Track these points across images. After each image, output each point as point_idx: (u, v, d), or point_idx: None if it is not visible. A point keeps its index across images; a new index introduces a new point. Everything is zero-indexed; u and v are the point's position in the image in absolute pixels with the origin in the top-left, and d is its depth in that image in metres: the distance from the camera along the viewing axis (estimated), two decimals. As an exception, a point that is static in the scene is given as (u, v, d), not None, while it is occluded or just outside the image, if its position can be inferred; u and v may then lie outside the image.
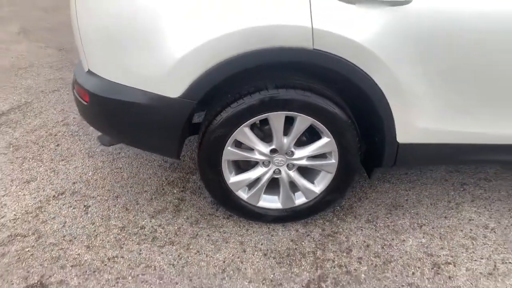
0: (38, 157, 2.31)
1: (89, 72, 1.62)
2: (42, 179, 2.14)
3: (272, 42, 1.39)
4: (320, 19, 1.35)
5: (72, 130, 2.57)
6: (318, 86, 1.56)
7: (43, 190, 2.06)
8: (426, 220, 1.91)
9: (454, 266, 1.68)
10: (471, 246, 1.78)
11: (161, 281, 1.59)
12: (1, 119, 2.70)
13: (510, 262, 1.70)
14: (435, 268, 1.67)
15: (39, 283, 1.58)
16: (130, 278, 1.60)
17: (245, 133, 1.60)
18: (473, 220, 1.92)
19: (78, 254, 1.70)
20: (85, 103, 1.64)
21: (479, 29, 1.41)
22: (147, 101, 1.50)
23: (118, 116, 1.59)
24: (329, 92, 1.58)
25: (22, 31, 4.48)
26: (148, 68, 1.46)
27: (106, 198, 2.01)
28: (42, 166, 2.24)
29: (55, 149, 2.39)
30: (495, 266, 1.68)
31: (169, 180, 2.15)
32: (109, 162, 2.27)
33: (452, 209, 1.99)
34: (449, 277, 1.63)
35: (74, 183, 2.11)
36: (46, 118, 2.71)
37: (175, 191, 2.07)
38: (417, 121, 1.59)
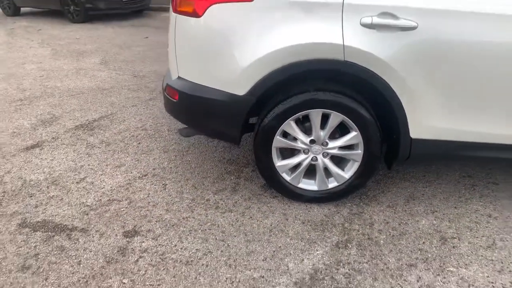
0: (125, 151, 2.93)
1: (179, 77, 2.23)
2: (129, 165, 2.74)
3: (315, 55, 1.93)
4: (349, 39, 1.88)
5: (150, 133, 3.20)
6: (347, 90, 2.07)
7: (131, 172, 2.65)
8: (438, 208, 2.30)
9: (459, 240, 2.06)
10: (475, 228, 2.15)
11: (223, 234, 2.08)
12: (94, 124, 3.38)
13: (507, 240, 2.05)
14: (442, 240, 2.05)
15: (133, 230, 2.12)
16: (200, 231, 2.11)
17: (291, 125, 2.12)
18: (478, 210, 2.29)
19: (160, 214, 2.24)
20: (175, 100, 2.24)
21: (470, 48, 1.88)
22: (222, 97, 2.07)
23: (199, 109, 2.17)
24: (356, 95, 2.08)
25: (103, 62, 5.36)
26: (224, 73, 2.04)
27: (179, 180, 2.56)
28: (128, 157, 2.85)
29: (137, 146, 3.01)
30: (494, 242, 2.04)
31: (227, 170, 2.68)
32: (180, 156, 2.85)
33: (462, 202, 2.37)
34: (453, 247, 2.01)
35: (154, 169, 2.70)
36: (129, 124, 3.37)
37: (232, 178, 2.59)
38: (426, 119, 2.05)
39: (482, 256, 1.95)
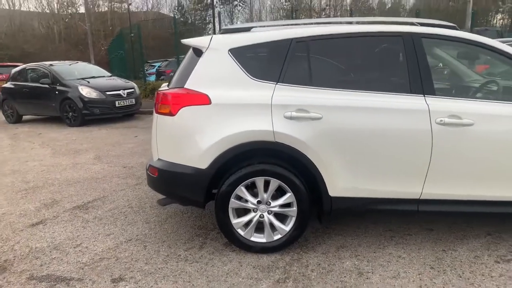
0: (114, 223, 3.57)
1: (159, 159, 3.00)
2: (117, 233, 3.36)
3: (255, 138, 2.75)
4: (277, 126, 2.72)
5: (135, 210, 3.86)
6: (283, 163, 2.85)
7: (118, 239, 3.26)
8: (361, 253, 2.94)
9: (372, 273, 2.68)
10: (386, 265, 2.77)
11: (190, 277, 2.67)
12: (88, 205, 4.05)
13: (409, 272, 2.67)
14: (359, 274, 2.67)
15: (119, 278, 2.69)
16: (171, 276, 2.69)
17: (242, 190, 2.85)
18: (392, 253, 2.93)
19: (141, 266, 2.83)
20: (155, 176, 2.98)
21: (361, 131, 2.72)
22: (190, 171, 2.82)
23: (173, 181, 2.90)
24: (288, 166, 2.86)
25: (96, 157, 6.17)
26: (191, 153, 2.82)
27: (157, 242, 3.18)
28: (117, 227, 3.48)
29: (124, 219, 3.66)
30: (398, 274, 2.67)
31: (197, 233, 3.32)
32: (159, 225, 3.49)
33: (381, 248, 3.01)
34: (367, 278, 2.62)
35: (137, 235, 3.32)
36: (118, 203, 4.05)
37: (200, 238, 3.22)
38: (338, 182, 2.80)
39: (388, 283, 2.56)
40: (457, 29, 2.93)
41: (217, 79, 2.84)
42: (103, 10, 33.70)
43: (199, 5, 34.62)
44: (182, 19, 34.36)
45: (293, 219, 2.90)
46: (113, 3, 34.08)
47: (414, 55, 2.77)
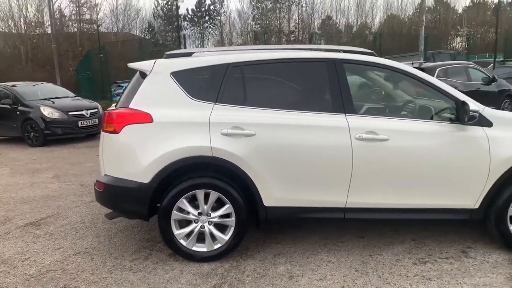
0: (65, 238, 3.69)
1: (105, 174, 3.18)
2: (67, 247, 3.48)
3: (194, 153, 2.98)
4: (214, 143, 2.97)
5: (87, 225, 3.99)
6: (220, 176, 3.09)
7: (67, 252, 3.39)
8: (295, 260, 3.18)
9: (302, 277, 2.92)
10: (316, 269, 3.03)
11: (132, 285, 2.84)
12: (41, 221, 4.14)
13: (335, 275, 2.94)
14: (290, 277, 2.91)
15: (63, 287, 2.82)
16: (114, 284, 2.85)
17: (183, 202, 3.07)
18: (323, 259, 3.20)
19: (86, 276, 2.98)
20: (101, 191, 3.16)
21: (289, 146, 3.01)
22: (133, 185, 3.02)
23: (118, 195, 3.09)
24: (226, 179, 3.10)
25: (55, 176, 6.23)
26: (134, 168, 3.03)
27: (104, 254, 3.33)
28: (67, 242, 3.60)
29: (75, 234, 3.78)
30: (325, 276, 2.92)
31: (144, 246, 3.49)
32: (109, 239, 3.64)
33: (314, 254, 3.27)
34: (296, 281, 2.87)
35: (85, 248, 3.46)
36: (71, 220, 4.16)
37: (147, 250, 3.39)
38: (272, 193, 3.07)
39: (314, 285, 2.82)
40: (374, 55, 3.30)
41: (159, 99, 3.09)
42: (72, 31, 33.53)
43: (170, 26, 35.05)
44: (152, 40, 34.61)
45: (232, 228, 3.13)
46: (82, 24, 34.01)
47: (336, 78, 3.11)
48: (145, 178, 3.00)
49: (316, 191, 3.10)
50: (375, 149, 3.04)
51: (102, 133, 3.21)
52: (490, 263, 3.09)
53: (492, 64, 17.96)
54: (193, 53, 3.31)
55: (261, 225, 3.29)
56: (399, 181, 3.09)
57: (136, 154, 3.02)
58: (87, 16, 35.25)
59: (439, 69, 9.18)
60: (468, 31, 43.89)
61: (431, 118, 3.23)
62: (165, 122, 3.03)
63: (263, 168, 3.02)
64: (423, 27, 14.15)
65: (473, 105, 2.99)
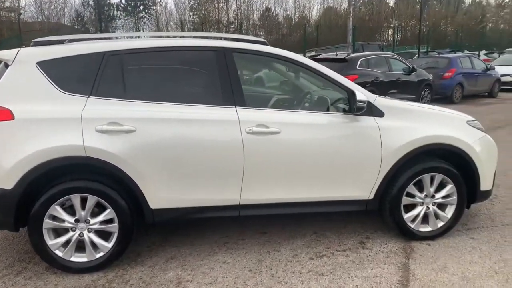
0: None
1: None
2: None
3: (65, 153, 2.65)
4: (88, 141, 2.65)
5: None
6: (99, 178, 2.79)
7: None
8: (188, 263, 2.97)
9: (191, 282, 2.72)
10: (209, 272, 2.84)
11: (-10, 306, 2.47)
12: None
13: (227, 277, 2.77)
14: (178, 283, 2.69)
15: None
16: (-31, 307, 2.47)
17: (56, 209, 2.73)
18: (218, 260, 3.01)
19: None
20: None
21: (175, 143, 2.77)
22: (-5, 192, 2.63)
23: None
24: (107, 180, 2.80)
25: None
26: (-5, 174, 2.64)
27: (-31, 271, 2.91)
28: None
29: None
30: (216, 279, 2.74)
31: (21, 258, 3.09)
32: (-20, 253, 3.21)
33: (210, 255, 3.08)
34: (184, 286, 2.66)
35: (-51, 266, 3.00)
36: None
37: (22, 264, 3.01)
38: (158, 194, 2.82)
39: (202, 289, 2.63)
40: (266, 45, 3.14)
41: (22, 93, 2.71)
42: (-10, 19, 30.74)
43: (102, 16, 33.20)
44: (82, 30, 32.64)
45: (116, 235, 2.84)
46: (2, 12, 31.22)
47: (225, 69, 2.91)
48: (8, 184, 2.63)
49: (207, 190, 2.90)
50: (266, 142, 2.89)
51: (-43, 134, 2.77)
52: (385, 253, 3.09)
53: (417, 55, 18.90)
54: (65, 40, 2.95)
55: (150, 230, 3.04)
56: (293, 174, 2.98)
57: None
58: (7, 4, 32.44)
59: (361, 59, 9.38)
60: (399, 23, 46.21)
61: (328, 109, 3.15)
62: (29, 119, 2.66)
63: (146, 168, 2.76)
64: (351, 19, 14.52)
65: (362, 95, 2.93)
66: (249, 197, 2.96)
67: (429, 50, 21.61)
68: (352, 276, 2.77)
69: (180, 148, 2.80)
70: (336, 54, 9.98)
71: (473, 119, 3.38)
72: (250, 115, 2.88)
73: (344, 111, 3.04)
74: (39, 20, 33.17)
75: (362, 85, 9.05)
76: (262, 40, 3.20)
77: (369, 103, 3.02)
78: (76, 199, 2.74)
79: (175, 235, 3.43)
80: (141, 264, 2.98)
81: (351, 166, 3.02)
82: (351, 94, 2.93)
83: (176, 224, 3.51)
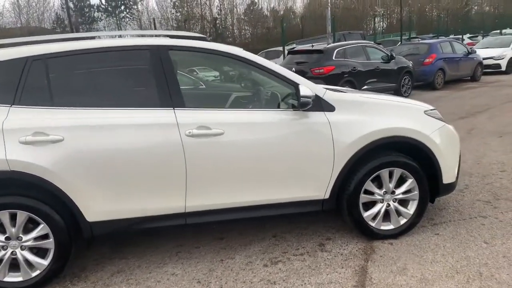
0: None
1: None
2: None
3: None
4: (10, 154, 2.45)
5: None
6: (29, 192, 2.58)
7: None
8: (135, 276, 2.79)
9: (132, 298, 2.54)
10: (154, 286, 2.66)
11: None
12: None
13: (161, 282, 2.60)
14: (117, 301, 2.51)
15: None
16: None
17: (-16, 228, 2.53)
18: (167, 271, 2.84)
19: None
20: None
21: (107, 151, 2.57)
22: None
23: None
24: (38, 194, 2.59)
25: None
26: None
27: None
28: None
29: None
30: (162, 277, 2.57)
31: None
32: None
33: (159, 267, 2.89)
34: (123, 305, 2.48)
35: None
36: None
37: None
38: (94, 206, 2.62)
39: (143, 307, 2.45)
40: (206, 40, 2.95)
41: None
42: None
43: (82, 18, 32.64)
44: (64, 32, 32.08)
45: (52, 251, 2.65)
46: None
47: (161, 68, 2.71)
48: None
49: (149, 199, 2.71)
50: (209, 145, 2.70)
51: None
52: (344, 255, 2.92)
53: (399, 42, 18.75)
54: (-9, 45, 2.73)
55: (101, 241, 2.85)
56: (240, 178, 2.79)
57: None
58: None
59: (337, 49, 9.19)
60: (384, 11, 46.06)
61: (278, 106, 2.97)
62: None
63: (78, 179, 2.56)
64: (329, 8, 14.31)
65: (307, 89, 2.73)
66: (195, 203, 2.77)
67: (411, 36, 21.45)
68: (305, 283, 2.60)
69: (114, 156, 2.59)
70: (312, 46, 9.78)
71: (432, 108, 3.21)
72: (190, 117, 2.69)
73: (294, 107, 2.86)
74: (19, 25, 32.54)
75: (340, 76, 9.02)
76: (201, 35, 3.00)
77: (317, 97, 2.84)
78: (4, 216, 2.54)
79: (126, 245, 3.25)
80: (84, 280, 2.79)
81: (302, 165, 2.85)
82: (297, 89, 2.75)
83: (128, 234, 3.32)
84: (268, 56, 15.01)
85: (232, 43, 37.70)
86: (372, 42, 11.80)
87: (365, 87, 9.41)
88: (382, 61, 10.03)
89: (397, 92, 10.46)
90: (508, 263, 2.68)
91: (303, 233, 3.29)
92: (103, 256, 3.11)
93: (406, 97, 10.45)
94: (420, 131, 2.97)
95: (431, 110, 3.17)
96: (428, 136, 2.98)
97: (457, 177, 3.26)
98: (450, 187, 3.20)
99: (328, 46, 9.43)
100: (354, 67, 9.21)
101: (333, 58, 8.98)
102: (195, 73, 11.27)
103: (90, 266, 2.97)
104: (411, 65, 10.76)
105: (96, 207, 2.64)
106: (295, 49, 10.79)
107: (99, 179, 2.60)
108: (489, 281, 2.50)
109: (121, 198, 2.66)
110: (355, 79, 9.15)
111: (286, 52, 13.77)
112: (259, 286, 2.61)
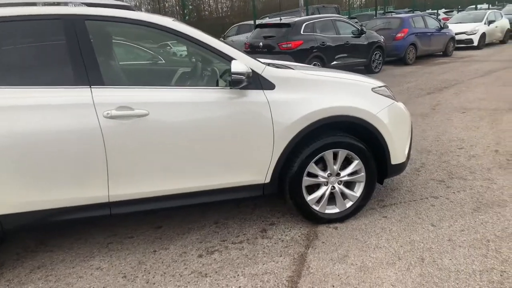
0: None
1: None
2: None
3: None
4: None
5: None
6: None
7: None
8: (54, 273, 2.55)
9: None
10: (74, 283, 2.43)
11: None
12: None
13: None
14: (30, 302, 2.28)
15: None
16: None
17: None
18: (93, 266, 2.61)
19: None
20: None
21: (18, 132, 2.27)
22: None
23: None
24: None
25: None
26: None
27: None
28: None
29: None
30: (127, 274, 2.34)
31: None
32: None
33: (85, 261, 2.66)
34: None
35: None
36: None
37: None
38: (4, 198, 2.35)
39: (57, 307, 2.22)
40: (131, 10, 2.63)
41: None
42: None
43: None
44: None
45: (-42, 248, 2.38)
46: None
47: (76, 41, 2.40)
48: None
49: (65, 188, 2.43)
50: (132, 127, 2.43)
51: None
52: (285, 241, 2.75)
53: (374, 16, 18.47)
54: None
55: (26, 232, 2.58)
56: (169, 163, 2.55)
57: None
58: None
59: (305, 23, 8.87)
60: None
61: (217, 84, 2.71)
62: None
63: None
64: (302, -20, 13.88)
65: (241, 65, 2.46)
66: (120, 192, 2.52)
67: (387, 11, 21.18)
68: (238, 275, 2.42)
69: (18, 142, 2.29)
70: (281, 19, 9.41)
71: (380, 85, 3.01)
72: (109, 96, 2.41)
73: (231, 84, 2.60)
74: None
75: (308, 51, 8.74)
76: (125, 4, 2.68)
77: (255, 74, 2.59)
78: None
79: (54, 237, 2.99)
80: (0, 277, 2.54)
81: (239, 148, 2.62)
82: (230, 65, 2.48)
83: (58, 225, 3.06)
84: (241, 30, 14.53)
85: (209, 17, 36.63)
86: (345, 17, 11.49)
87: (335, 62, 9.18)
88: (352, 35, 9.78)
89: (367, 68, 10.29)
90: (452, 247, 2.55)
91: (246, 219, 3.10)
92: (26, 250, 2.85)
93: (377, 72, 10.33)
94: (366, 110, 2.77)
95: (379, 87, 2.97)
96: (375, 115, 2.79)
97: (407, 157, 3.10)
98: (400, 167, 3.03)
99: (296, 19, 9.08)
100: (323, 42, 8.93)
101: (302, 32, 8.66)
102: (168, 47, 10.77)
103: (9, 261, 2.71)
104: (382, 40, 10.55)
105: (6, 199, 2.36)
106: (263, 22, 10.40)
107: (2, 168, 2.30)
108: (430, 268, 2.36)
109: (30, 189, 2.38)
110: (324, 54, 8.89)
111: (257, 26, 13.33)
112: (187, 279, 2.41)
